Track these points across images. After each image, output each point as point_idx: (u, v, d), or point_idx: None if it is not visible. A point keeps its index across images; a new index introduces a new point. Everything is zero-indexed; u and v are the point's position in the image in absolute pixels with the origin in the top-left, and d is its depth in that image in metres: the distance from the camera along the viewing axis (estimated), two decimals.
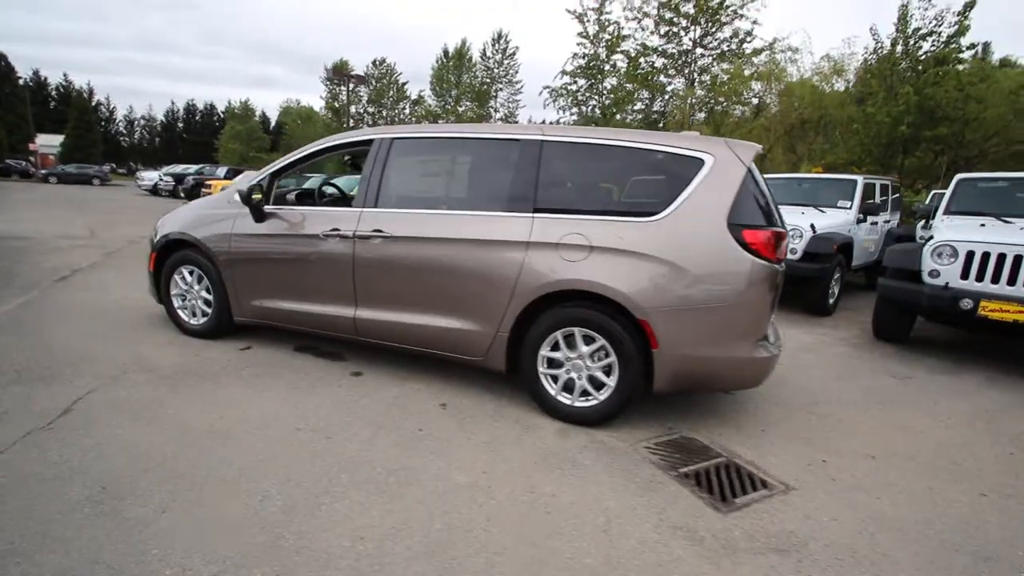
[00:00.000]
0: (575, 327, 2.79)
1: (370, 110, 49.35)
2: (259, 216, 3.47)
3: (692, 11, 22.74)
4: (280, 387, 3.13)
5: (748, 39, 22.06)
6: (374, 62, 46.37)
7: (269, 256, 3.49)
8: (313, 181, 9.45)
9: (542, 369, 2.90)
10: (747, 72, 21.56)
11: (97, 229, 10.10)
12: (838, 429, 3.06)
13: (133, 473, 2.17)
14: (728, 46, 22.65)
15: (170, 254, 3.90)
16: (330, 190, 4.22)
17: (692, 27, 24.21)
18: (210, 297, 3.80)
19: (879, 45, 17.13)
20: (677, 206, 2.63)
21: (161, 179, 23.52)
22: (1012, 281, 4.10)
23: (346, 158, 4.37)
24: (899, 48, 16.75)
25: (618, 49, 24.18)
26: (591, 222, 2.74)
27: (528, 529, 1.98)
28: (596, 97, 25.86)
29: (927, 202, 11.40)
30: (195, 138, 59.84)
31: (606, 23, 26.52)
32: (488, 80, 43.20)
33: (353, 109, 48.27)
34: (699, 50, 23.37)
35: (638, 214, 2.69)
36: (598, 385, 2.82)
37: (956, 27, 15.33)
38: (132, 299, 4.91)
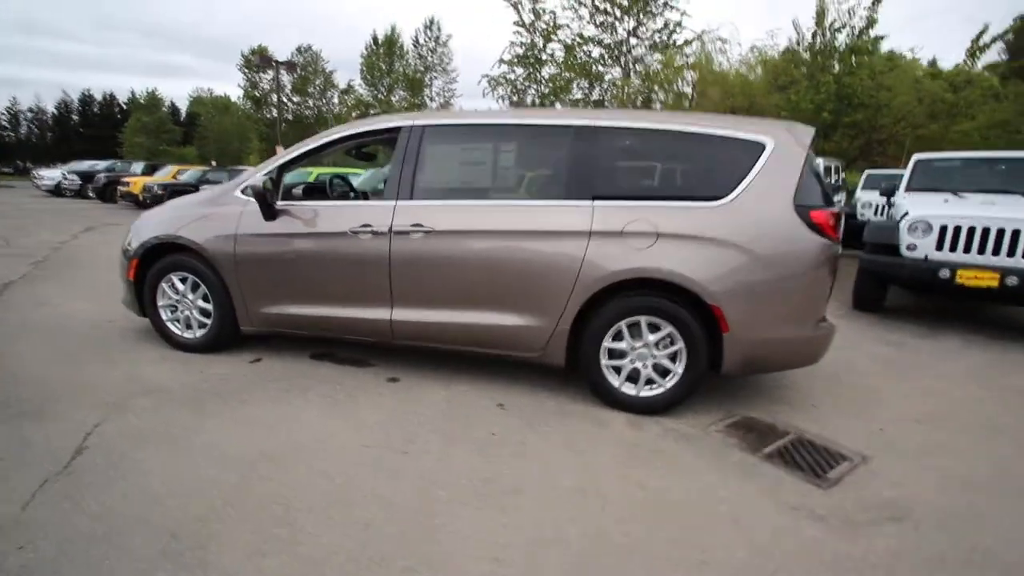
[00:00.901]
0: (641, 316, 2.72)
1: (295, 99, 46.76)
2: (270, 213, 3.11)
3: (626, 2, 23.28)
4: (317, 401, 2.83)
5: (678, 30, 22.91)
6: (298, 49, 43.85)
7: (284, 257, 3.14)
8: (295, 175, 8.75)
9: (605, 361, 2.82)
10: (679, 62, 22.45)
11: (10, 236, 8.81)
12: (875, 398, 3.22)
13: (199, 514, 1.86)
14: (660, 37, 23.46)
15: (155, 260, 3.42)
16: (339, 183, 3.87)
17: (625, 17, 24.84)
18: (208, 306, 3.38)
19: (800, 37, 18.33)
20: (743, 189, 2.62)
21: (65, 177, 20.92)
22: (982, 251, 4.51)
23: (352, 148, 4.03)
24: (818, 40, 17.97)
25: (554, 38, 24.39)
26: (656, 208, 2.67)
27: (663, 528, 1.90)
28: (535, 86, 26.02)
29: (860, 183, 12.35)
30: (94, 132, 53.74)
31: (541, 11, 26.62)
32: (422, 68, 42.14)
33: (275, 98, 45.53)
34: (633, 40, 24.05)
35: (703, 198, 2.66)
36: (662, 372, 2.78)
37: (866, 20, 16.68)
38: (89, 312, 4.29)
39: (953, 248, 4.62)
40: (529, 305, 2.82)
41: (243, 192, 3.29)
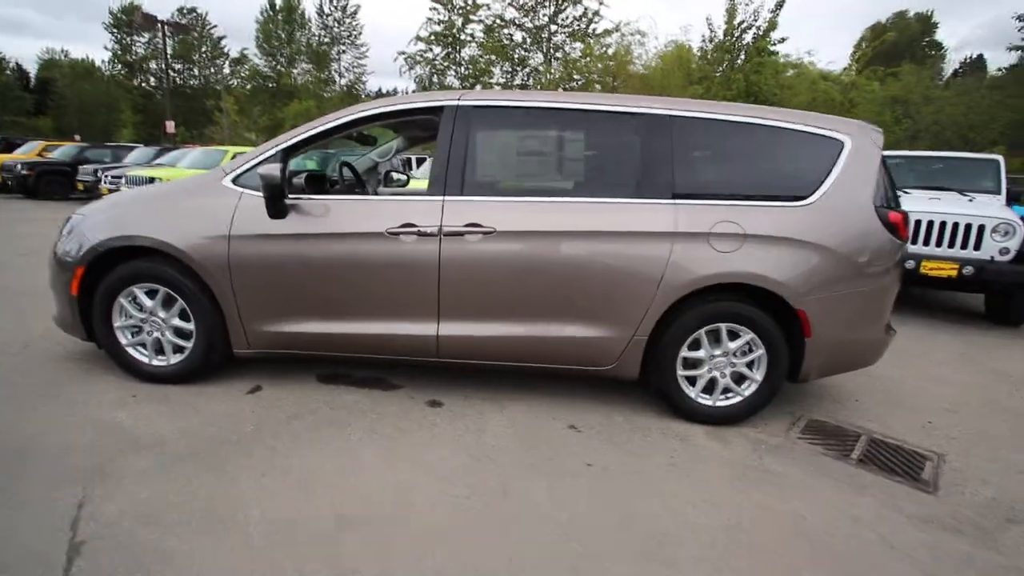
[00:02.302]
0: (721, 322, 2.55)
1: (176, 67, 41.55)
2: (279, 209, 2.51)
3: None
4: (365, 440, 2.35)
5: (596, 19, 23.34)
6: (180, 10, 38.81)
7: (297, 264, 2.55)
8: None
9: (680, 371, 2.63)
10: (598, 51, 22.91)
11: None
12: (902, 389, 3.35)
13: None
14: (579, 25, 23.75)
15: (108, 269, 2.66)
16: (346, 172, 3.26)
17: (546, 2, 24.83)
18: (188, 326, 2.70)
19: (713, 34, 19.40)
20: (827, 188, 2.52)
21: None
22: (939, 243, 4.95)
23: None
24: (728, 39, 19.10)
25: (473, 18, 23.80)
26: (741, 208, 2.49)
27: (841, 563, 1.74)
28: (454, 67, 25.26)
29: None
30: None
31: None
32: (328, 40, 39.22)
33: (153, 65, 40.26)
34: (553, 26, 24.13)
35: (787, 198, 2.53)
36: (737, 381, 2.65)
37: (768, 23, 17.99)
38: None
39: (915, 241, 5.02)
40: (604, 314, 2.54)
41: (235, 182, 2.64)
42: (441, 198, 2.52)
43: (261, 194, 2.50)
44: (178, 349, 2.76)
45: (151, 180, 9.09)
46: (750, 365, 2.62)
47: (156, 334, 2.73)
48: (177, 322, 2.71)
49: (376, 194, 3.70)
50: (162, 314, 2.70)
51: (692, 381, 2.66)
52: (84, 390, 2.66)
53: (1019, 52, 20.33)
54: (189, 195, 2.69)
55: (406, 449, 2.29)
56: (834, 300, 2.53)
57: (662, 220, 2.47)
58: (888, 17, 39.49)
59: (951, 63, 40.50)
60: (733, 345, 2.58)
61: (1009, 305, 5.01)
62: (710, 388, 2.66)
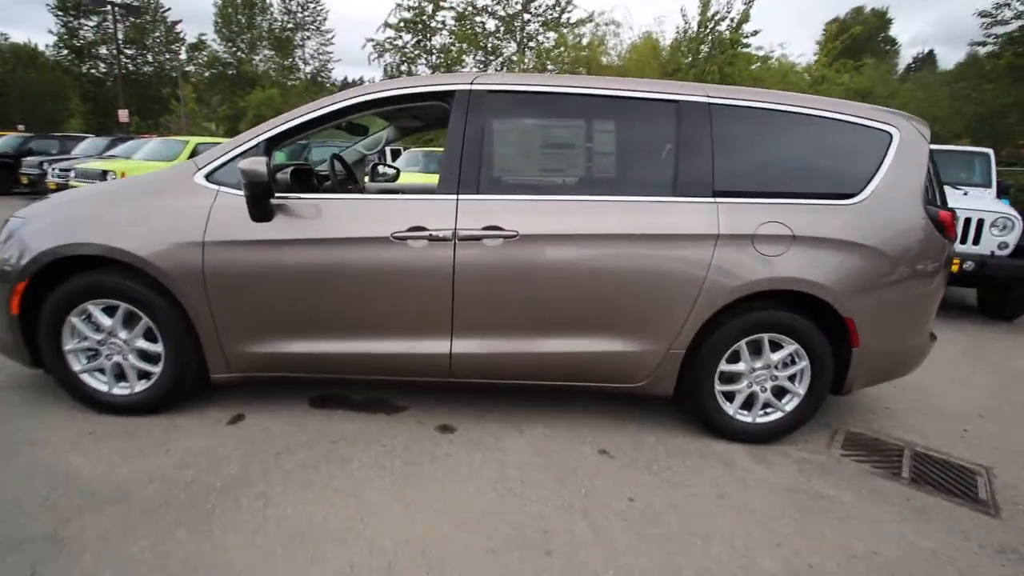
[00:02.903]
0: (764, 333, 2.33)
1: (128, 52, 39.30)
2: (263, 211, 2.14)
3: None
4: (373, 480, 2.02)
5: (569, 8, 23.09)
6: None
7: (286, 274, 2.19)
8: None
9: (718, 386, 2.40)
10: (572, 41, 22.67)
11: None
12: (927, 393, 3.21)
13: None
14: (552, 14, 23.45)
15: (58, 281, 2.24)
16: (338, 167, 2.87)
17: None
18: (156, 347, 2.31)
19: (688, 26, 19.39)
20: (877, 185, 2.31)
21: None
22: None
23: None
24: (703, 30, 19.10)
25: (444, 4, 23.23)
26: (788, 207, 2.26)
27: None
28: (425, 55, 24.63)
29: None
30: None
31: None
32: (291, 26, 37.68)
33: (103, 50, 37.98)
34: (527, 15, 23.77)
35: (835, 195, 2.31)
36: (778, 394, 2.44)
37: (741, 15, 18.04)
38: None
39: None
40: (638, 326, 2.27)
41: (210, 178, 2.25)
42: (455, 197, 2.19)
43: (241, 192, 2.13)
44: (143, 375, 2.36)
45: (104, 174, 8.37)
46: (792, 378, 2.40)
47: (116, 358, 2.33)
48: (142, 343, 2.32)
49: (363, 190, 3.35)
50: (123, 334, 2.30)
51: (730, 396, 2.43)
52: (30, 428, 2.25)
53: (980, 47, 21.03)
54: (154, 194, 2.29)
55: (421, 489, 1.99)
56: (883, 307, 2.33)
57: (703, 221, 2.21)
58: (847, 12, 40.46)
59: (904, 58, 42.07)
60: (775, 357, 2.36)
61: (1005, 299, 5.00)
62: (749, 403, 2.44)
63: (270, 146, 2.27)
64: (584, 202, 2.23)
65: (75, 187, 7.90)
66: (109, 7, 17.14)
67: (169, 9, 39.58)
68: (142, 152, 10.11)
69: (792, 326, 2.32)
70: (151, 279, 2.21)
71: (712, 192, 2.25)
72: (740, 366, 2.38)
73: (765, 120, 2.32)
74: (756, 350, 2.37)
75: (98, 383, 2.38)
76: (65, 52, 36.14)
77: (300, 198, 2.24)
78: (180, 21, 39.83)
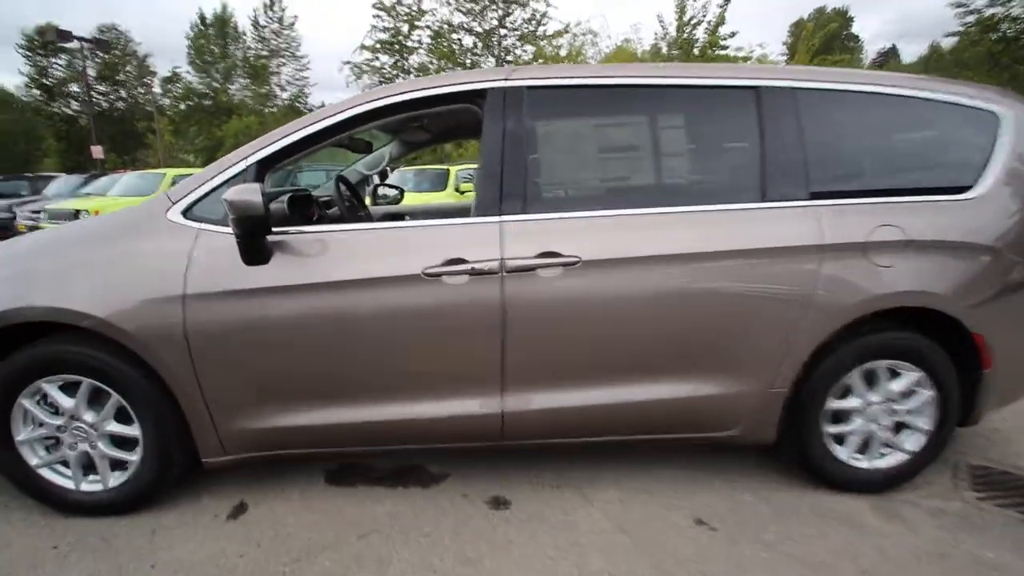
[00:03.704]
0: (880, 360, 1.92)
1: (101, 89, 38.82)
2: (258, 250, 1.69)
3: None
4: None
5: (545, 21, 23.04)
6: (100, 29, 36.10)
7: (289, 328, 1.74)
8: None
9: (827, 428, 1.97)
10: (549, 52, 22.55)
11: None
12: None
13: None
14: (528, 27, 23.37)
15: (1, 355, 1.77)
16: (344, 191, 2.42)
17: (492, 6, 24.36)
18: (131, 431, 1.83)
19: (666, 31, 19.36)
20: (992, 175, 1.92)
21: None
22: None
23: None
24: (680, 34, 19.05)
25: (419, 24, 23.08)
26: (901, 207, 1.86)
27: None
28: (403, 75, 24.38)
29: None
30: None
31: None
32: (266, 53, 37.35)
33: (75, 87, 37.41)
34: (503, 30, 23.67)
35: (947, 190, 1.91)
36: (896, 432, 2.02)
37: (717, 17, 18.01)
38: None
39: None
40: (731, 362, 1.85)
41: (188, 214, 1.80)
42: (497, 219, 1.76)
43: (228, 231, 1.68)
44: (118, 464, 1.88)
45: (76, 213, 7.85)
46: (914, 411, 1.98)
47: (83, 446, 1.85)
48: (113, 427, 1.84)
49: (367, 216, 2.90)
50: (89, 417, 1.82)
51: (840, 439, 2.01)
52: None
53: (953, 37, 21.32)
54: (118, 238, 1.82)
55: None
56: (1014, 319, 1.94)
57: (802, 229, 1.80)
58: (809, 13, 41.03)
59: (868, 54, 42.90)
60: (895, 387, 1.94)
61: None
62: (863, 446, 2.02)
63: (262, 170, 1.83)
64: (655, 216, 1.81)
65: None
66: (77, 42, 16.57)
67: (140, 43, 39.20)
68: (117, 188, 9.59)
69: (914, 349, 1.91)
70: (119, 346, 1.74)
71: (808, 194, 1.84)
72: (853, 402, 1.96)
73: (860, 105, 1.92)
74: (870, 381, 1.96)
75: (62, 478, 1.89)
76: (36, 92, 35.47)
77: (302, 232, 1.80)
78: (150, 55, 39.40)
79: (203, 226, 1.77)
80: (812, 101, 1.89)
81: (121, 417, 1.84)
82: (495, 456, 2.24)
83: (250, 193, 1.54)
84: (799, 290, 1.80)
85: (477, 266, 1.72)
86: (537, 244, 1.74)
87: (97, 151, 16.85)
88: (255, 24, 37.70)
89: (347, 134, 1.93)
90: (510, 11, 23.35)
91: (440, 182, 9.46)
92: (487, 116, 1.83)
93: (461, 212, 2.81)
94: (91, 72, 35.10)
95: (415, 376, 1.82)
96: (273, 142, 1.83)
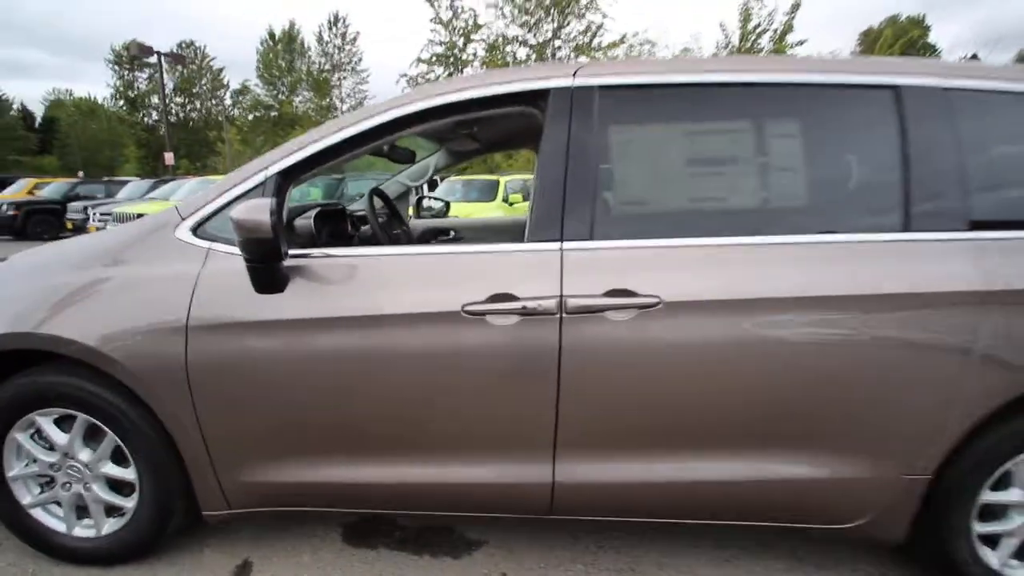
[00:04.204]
0: None
1: (178, 100, 41.74)
2: (271, 277, 1.44)
3: (547, 1, 22.81)
4: None
5: (601, 32, 22.69)
6: (180, 44, 38.83)
7: (305, 369, 1.47)
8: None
9: (978, 526, 1.50)
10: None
11: None
12: None
13: None
14: (583, 39, 23.08)
15: None
16: (379, 205, 2.17)
17: (548, 18, 24.31)
18: (127, 474, 1.61)
19: (728, 40, 18.57)
20: None
21: None
22: None
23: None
24: (744, 43, 18.23)
25: (474, 38, 23.26)
26: None
27: None
28: None
29: None
30: None
31: (460, 9, 25.43)
32: (328, 67, 38.92)
33: (155, 99, 40.34)
34: (557, 41, 23.52)
35: None
36: None
37: (784, 25, 17.08)
38: None
39: None
40: (853, 439, 1.42)
41: (198, 232, 1.57)
42: (557, 246, 1.43)
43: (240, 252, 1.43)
44: (113, 510, 1.66)
45: (139, 216, 8.12)
46: None
47: (76, 487, 1.64)
48: (110, 468, 1.62)
49: (408, 236, 2.63)
50: (84, 456, 1.61)
51: (993, 541, 1.53)
52: None
53: None
54: (118, 259, 1.61)
55: None
56: None
57: (958, 270, 1.36)
58: (881, 21, 38.56)
59: None
60: None
61: None
62: (1022, 551, 1.54)
63: (286, 182, 1.57)
64: (760, 247, 1.42)
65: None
66: (156, 56, 17.65)
67: (215, 58, 41.90)
68: (180, 192, 9.95)
69: None
70: (115, 381, 1.52)
71: (967, 223, 1.40)
72: (1013, 495, 1.49)
73: (1013, 105, 1.46)
74: None
75: (54, 520, 1.69)
76: (121, 103, 38.46)
77: (326, 255, 1.52)
78: (224, 68, 41.99)
79: (214, 246, 1.53)
80: (970, 104, 1.45)
81: (118, 458, 1.62)
82: (541, 520, 1.89)
83: (259, 211, 1.27)
84: (952, 350, 1.36)
85: (530, 304, 1.38)
86: (606, 279, 1.39)
87: (168, 158, 17.80)
88: (319, 39, 39.47)
89: (385, 141, 1.65)
90: (565, 23, 23.22)
91: (489, 192, 9.24)
92: (549, 121, 1.50)
93: (514, 230, 2.47)
94: (169, 84, 37.79)
95: (450, 433, 1.50)
96: (299, 149, 1.56)
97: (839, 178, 1.49)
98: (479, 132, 2.44)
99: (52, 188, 13.28)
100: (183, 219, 1.57)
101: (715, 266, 1.40)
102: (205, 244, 1.54)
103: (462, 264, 1.48)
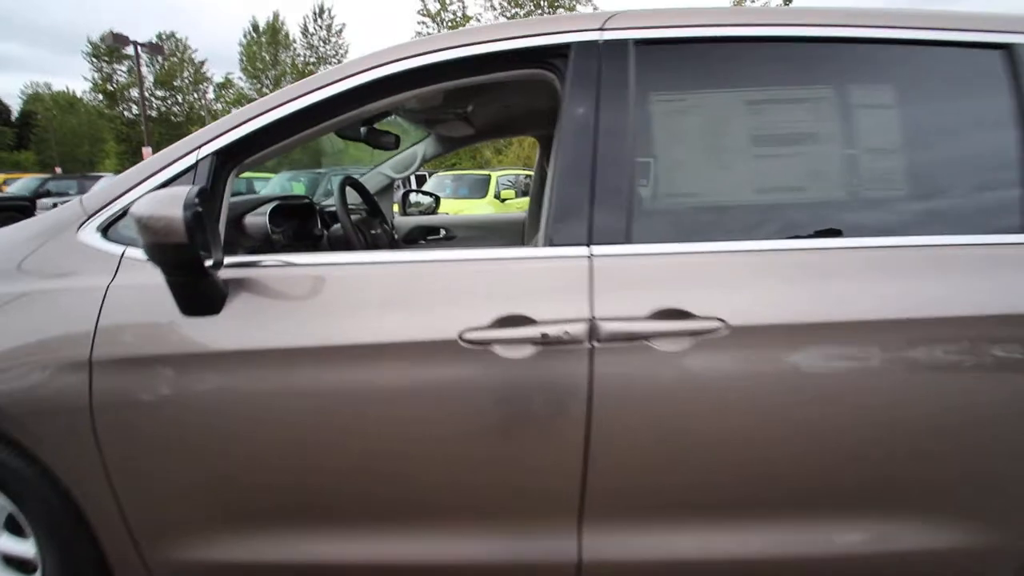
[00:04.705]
0: None
1: (159, 94, 40.82)
2: (200, 295, 1.07)
3: None
4: None
5: None
6: (159, 36, 37.82)
7: (250, 416, 1.10)
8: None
9: None
10: None
11: None
12: None
13: None
14: None
15: None
16: (354, 200, 1.80)
17: (537, 11, 24.01)
18: (25, 548, 1.23)
19: None
20: None
21: None
22: None
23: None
24: None
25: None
26: None
27: None
28: None
29: None
30: None
31: (448, 1, 24.98)
32: (314, 60, 38.15)
33: (134, 93, 39.36)
34: None
35: None
36: None
37: None
38: None
39: None
40: (985, 500, 1.10)
41: (108, 234, 1.19)
42: (585, 251, 1.08)
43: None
44: None
45: None
46: None
47: None
48: (4, 541, 1.25)
49: (391, 235, 2.27)
50: None
51: None
52: None
53: None
54: (3, 264, 1.23)
55: None
56: None
57: None
58: None
59: None
60: None
61: None
62: None
63: (225, 165, 1.20)
64: (851, 251, 1.08)
65: None
66: (132, 47, 16.97)
67: (196, 50, 40.90)
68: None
69: None
70: (3, 431, 1.14)
71: None
72: None
73: None
74: None
75: None
76: (99, 96, 37.43)
77: (284, 263, 1.16)
78: (206, 61, 41.12)
79: (130, 251, 1.16)
80: None
81: (13, 528, 1.25)
82: None
83: (169, 205, 0.90)
84: None
85: (551, 330, 1.03)
86: (651, 295, 1.04)
87: (147, 153, 17.22)
88: (304, 32, 38.71)
89: (356, 113, 1.28)
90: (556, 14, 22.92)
91: (480, 188, 8.87)
92: (570, 87, 1.14)
93: (513, 228, 2.13)
94: (149, 78, 36.83)
95: (443, 499, 1.15)
96: (244, 122, 1.19)
97: (947, 167, 1.14)
98: (474, 112, 2.08)
99: (21, 184, 12.69)
100: (89, 216, 1.19)
101: (797, 278, 1.06)
102: (117, 249, 1.16)
103: (459, 275, 1.12)
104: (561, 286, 1.06)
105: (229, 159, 1.20)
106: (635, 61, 1.13)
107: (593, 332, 1.03)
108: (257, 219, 1.48)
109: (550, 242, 1.11)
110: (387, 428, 1.10)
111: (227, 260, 1.12)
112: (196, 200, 0.91)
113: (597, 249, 1.08)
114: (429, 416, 1.08)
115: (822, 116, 1.17)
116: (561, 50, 1.16)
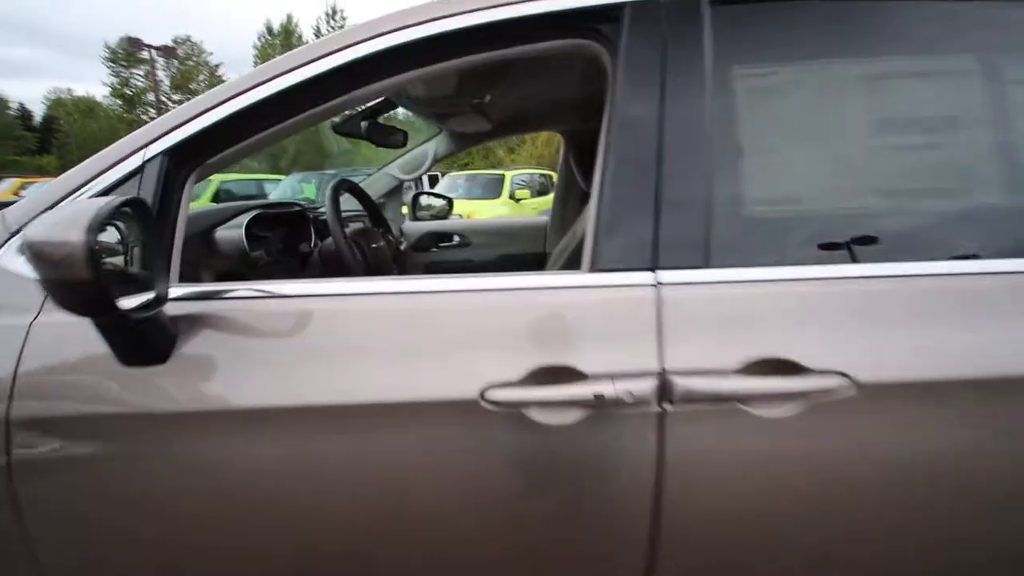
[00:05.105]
0: None
1: (175, 98, 41.41)
2: (136, 340, 0.81)
3: None
4: None
5: None
6: (175, 40, 38.30)
7: (211, 496, 0.85)
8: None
9: None
10: None
11: None
12: None
13: None
14: None
15: None
16: (351, 207, 1.53)
17: None
18: None
19: None
20: None
21: None
22: None
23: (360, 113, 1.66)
24: None
25: None
26: None
27: None
28: None
29: None
30: None
31: None
32: None
33: (151, 97, 39.97)
34: None
35: None
36: None
37: None
38: None
39: None
40: None
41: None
42: (650, 277, 0.80)
43: None
44: None
45: None
46: None
47: None
48: None
49: (396, 248, 2.00)
50: None
51: None
52: None
53: None
54: None
55: None
56: None
57: None
58: None
59: None
60: None
61: None
62: None
63: (180, 168, 0.94)
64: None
65: None
66: (147, 51, 17.05)
67: (212, 53, 41.40)
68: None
69: None
70: None
71: None
72: None
73: None
74: None
75: None
76: (118, 101, 38.04)
77: (252, 294, 0.89)
78: (221, 64, 41.57)
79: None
80: None
81: None
82: None
83: (67, 227, 0.64)
84: None
85: (606, 390, 0.75)
86: (743, 340, 0.76)
87: None
88: (317, 33, 38.91)
89: (349, 97, 1.01)
90: None
91: (494, 189, 8.61)
92: (624, 59, 0.86)
93: (536, 233, 1.88)
94: (165, 81, 37.31)
95: None
96: (197, 115, 0.93)
97: None
98: (492, 102, 1.80)
99: (37, 188, 12.74)
100: (11, 235, 0.94)
101: (958, 314, 0.76)
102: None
103: (481, 310, 0.84)
104: (617, 327, 0.78)
105: (185, 160, 0.94)
106: (712, 23, 0.85)
107: (664, 391, 0.75)
108: (231, 233, 1.22)
109: (598, 265, 0.83)
110: (387, 511, 0.83)
111: (180, 291, 0.87)
112: (108, 219, 0.65)
113: (665, 275, 0.79)
114: (441, 503, 0.81)
115: (969, 93, 0.87)
116: (611, 12, 0.88)
